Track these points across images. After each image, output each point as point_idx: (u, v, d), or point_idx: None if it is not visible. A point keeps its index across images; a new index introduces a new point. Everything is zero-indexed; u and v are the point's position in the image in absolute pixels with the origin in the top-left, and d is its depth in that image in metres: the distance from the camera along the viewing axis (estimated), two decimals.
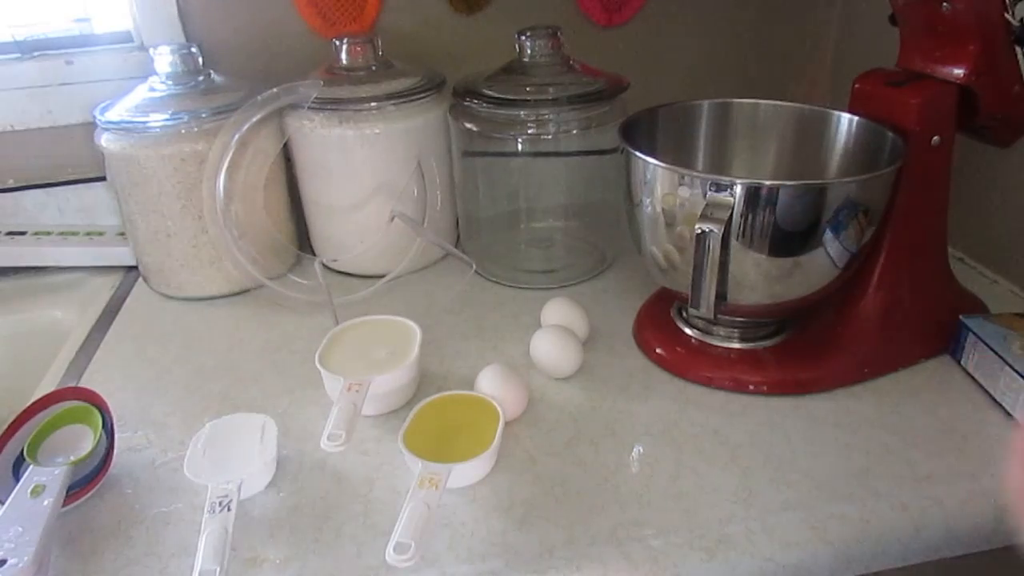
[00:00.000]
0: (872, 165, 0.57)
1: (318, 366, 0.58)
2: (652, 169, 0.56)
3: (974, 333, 0.59)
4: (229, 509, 0.46)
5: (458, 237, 0.85)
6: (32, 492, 0.47)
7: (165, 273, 0.77)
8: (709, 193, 0.52)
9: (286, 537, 0.48)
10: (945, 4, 0.52)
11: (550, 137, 0.73)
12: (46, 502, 0.46)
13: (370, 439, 0.56)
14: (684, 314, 0.66)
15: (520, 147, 0.74)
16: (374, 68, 0.76)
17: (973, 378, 0.59)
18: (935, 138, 0.55)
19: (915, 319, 0.61)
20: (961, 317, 0.61)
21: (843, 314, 0.61)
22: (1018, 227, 0.73)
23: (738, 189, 0.51)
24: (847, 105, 0.61)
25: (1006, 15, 0.52)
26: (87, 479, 0.51)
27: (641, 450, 0.54)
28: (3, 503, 0.47)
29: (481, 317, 0.72)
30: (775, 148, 0.68)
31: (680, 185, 0.54)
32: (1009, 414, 0.55)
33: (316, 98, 0.72)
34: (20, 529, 0.44)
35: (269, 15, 0.85)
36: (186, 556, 0.47)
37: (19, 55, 0.85)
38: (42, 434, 0.53)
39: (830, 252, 0.54)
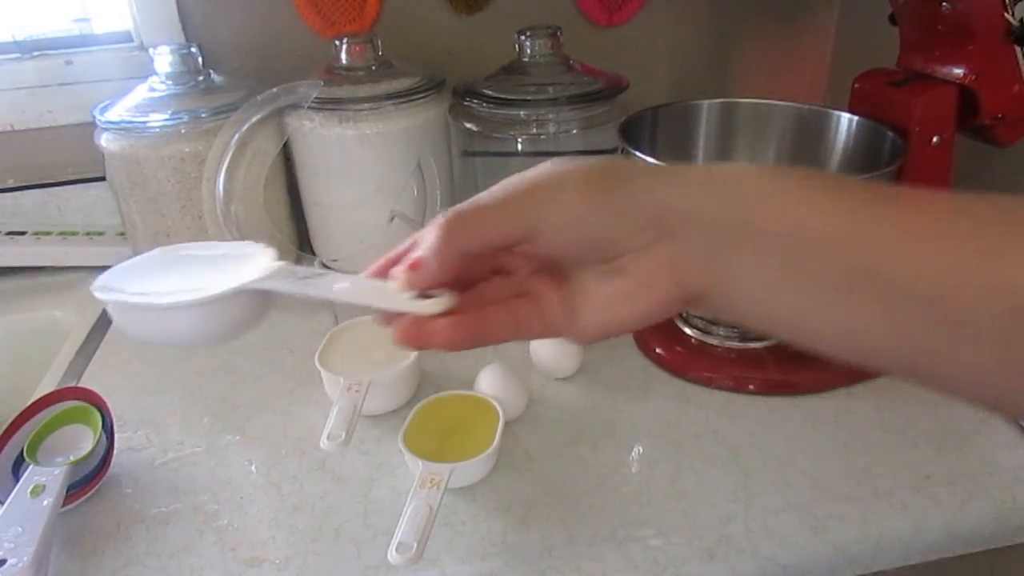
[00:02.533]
0: (872, 165, 0.57)
1: (318, 366, 0.58)
2: None
3: None
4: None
5: None
6: (32, 492, 0.47)
7: None
8: None
9: (286, 537, 0.48)
10: (945, 4, 0.52)
11: (550, 137, 0.73)
12: (46, 502, 0.46)
13: (370, 439, 0.56)
14: (684, 314, 0.66)
15: (520, 147, 0.74)
16: (374, 68, 0.76)
17: None
18: (935, 138, 0.55)
19: None
20: None
21: None
22: None
23: None
24: (847, 105, 0.61)
25: (1006, 15, 0.52)
26: (87, 479, 0.51)
27: (641, 450, 0.54)
28: (3, 503, 0.47)
29: None
30: (775, 148, 0.68)
31: None
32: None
33: (316, 98, 0.72)
34: (20, 529, 0.44)
35: (269, 15, 0.85)
36: (186, 556, 0.47)
37: (19, 55, 0.85)
38: (42, 434, 0.53)
39: None
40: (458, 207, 0.31)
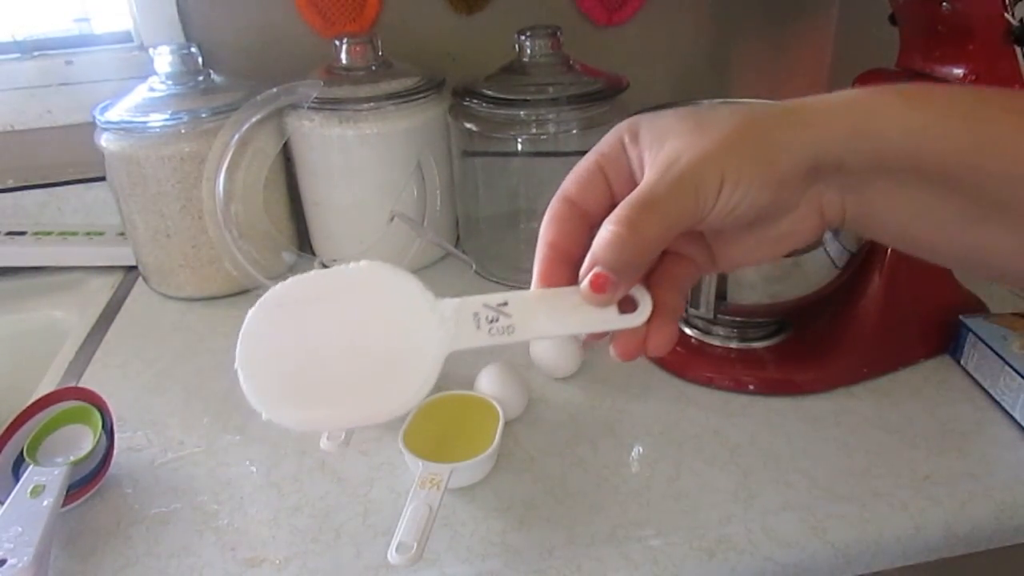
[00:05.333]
0: None
1: None
2: None
3: (974, 333, 0.59)
4: None
5: (458, 237, 0.85)
6: (32, 492, 0.47)
7: (165, 273, 0.77)
8: None
9: (286, 537, 0.48)
10: (945, 4, 0.52)
11: (550, 137, 0.73)
12: (46, 502, 0.46)
13: (370, 439, 0.56)
14: (684, 314, 0.66)
15: (520, 147, 0.74)
16: (374, 68, 0.76)
17: (973, 378, 0.59)
18: None
19: (915, 319, 0.61)
20: (961, 317, 0.61)
21: (843, 314, 0.61)
22: None
23: None
24: None
25: (1006, 15, 0.52)
26: (87, 479, 0.51)
27: (641, 450, 0.54)
28: (3, 503, 0.47)
29: None
30: None
31: None
32: (1009, 414, 0.55)
33: (316, 98, 0.72)
34: (20, 529, 0.44)
35: (269, 15, 0.85)
36: (186, 556, 0.47)
37: (19, 55, 0.85)
38: (42, 434, 0.53)
39: (829, 251, 0.54)
40: (631, 206, 0.29)
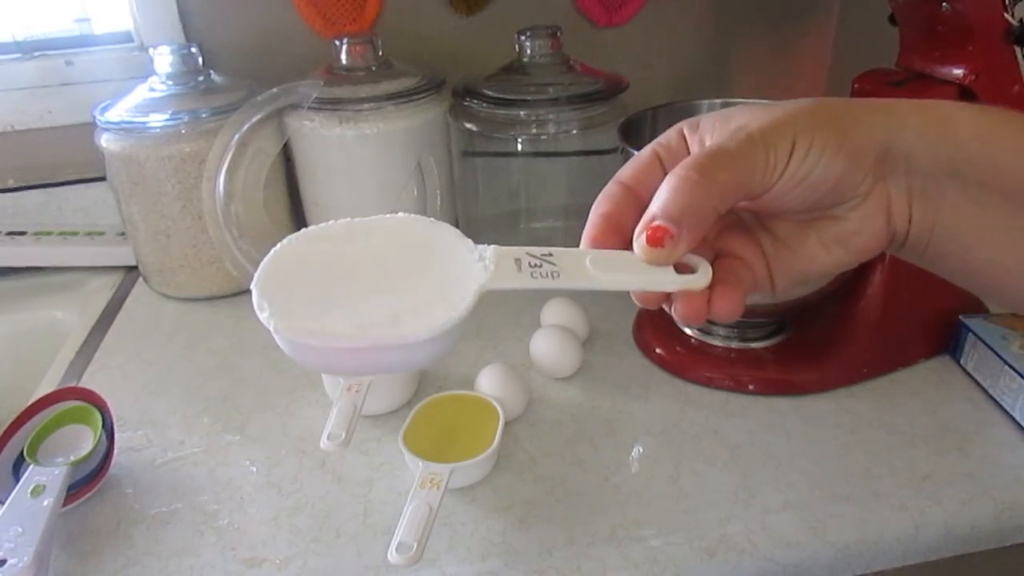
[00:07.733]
0: None
1: None
2: None
3: (974, 333, 0.59)
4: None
5: None
6: (32, 492, 0.47)
7: (165, 273, 0.77)
8: None
9: (286, 537, 0.48)
10: (945, 4, 0.52)
11: (550, 137, 0.73)
12: (46, 502, 0.46)
13: (370, 439, 0.56)
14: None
15: (520, 147, 0.74)
16: (374, 68, 0.76)
17: (973, 378, 0.59)
18: None
19: (915, 319, 0.61)
20: (961, 317, 0.61)
21: (843, 314, 0.61)
22: None
23: None
24: None
25: (1006, 15, 0.52)
26: (87, 479, 0.51)
27: (641, 450, 0.54)
28: (3, 503, 0.47)
29: (481, 317, 0.72)
30: None
31: None
32: (1009, 414, 0.55)
33: (316, 98, 0.72)
34: (20, 529, 0.44)
35: (269, 15, 0.85)
36: (186, 556, 0.47)
37: (19, 55, 0.85)
38: (42, 434, 0.53)
39: None
40: (700, 155, 0.27)
